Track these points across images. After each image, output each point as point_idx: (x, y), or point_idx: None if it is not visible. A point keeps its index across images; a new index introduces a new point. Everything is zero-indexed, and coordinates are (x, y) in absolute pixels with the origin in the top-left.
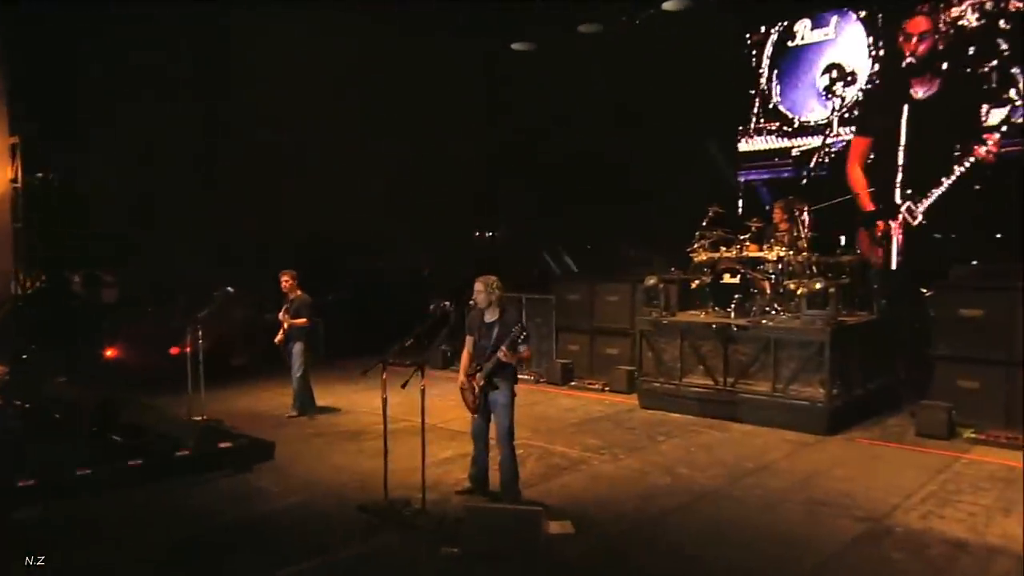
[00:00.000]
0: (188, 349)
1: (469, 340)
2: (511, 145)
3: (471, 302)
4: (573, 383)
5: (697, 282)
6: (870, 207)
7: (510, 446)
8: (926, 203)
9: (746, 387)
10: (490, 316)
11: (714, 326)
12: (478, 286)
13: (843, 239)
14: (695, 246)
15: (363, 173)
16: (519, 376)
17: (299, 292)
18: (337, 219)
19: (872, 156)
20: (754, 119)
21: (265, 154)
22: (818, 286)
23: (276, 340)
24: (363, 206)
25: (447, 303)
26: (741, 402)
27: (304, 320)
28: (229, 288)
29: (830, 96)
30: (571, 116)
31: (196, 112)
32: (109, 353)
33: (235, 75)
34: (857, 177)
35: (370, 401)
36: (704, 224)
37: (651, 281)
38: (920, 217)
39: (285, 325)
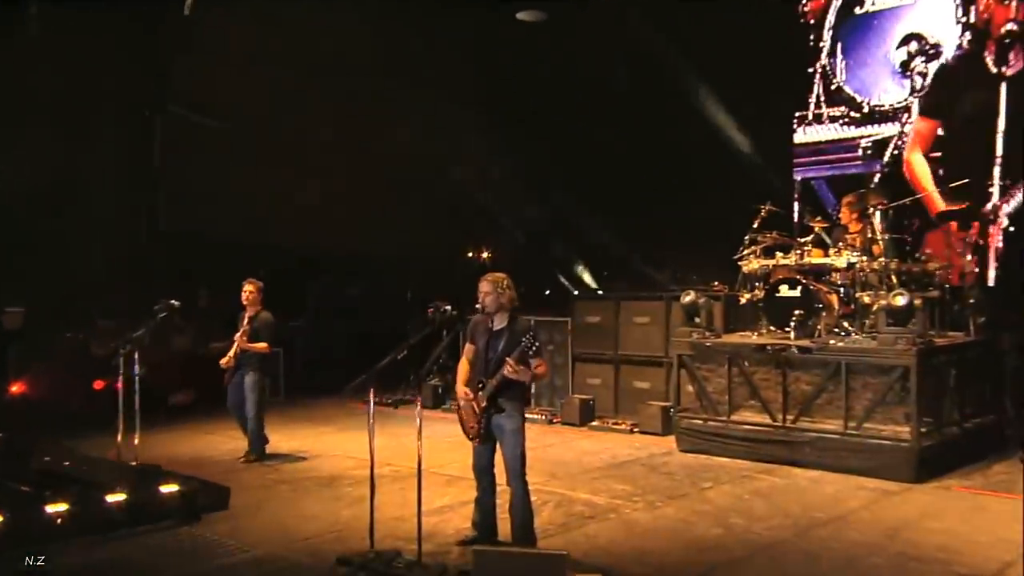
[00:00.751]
0: (119, 384)
1: (470, 349)
2: (516, 144)
3: (477, 305)
4: (594, 423)
5: (747, 296)
6: (941, 206)
7: (522, 482)
8: (1012, 203)
9: (810, 424)
10: (498, 323)
11: (769, 349)
12: (484, 286)
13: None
14: (744, 252)
15: (336, 175)
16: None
17: (261, 309)
18: (299, 229)
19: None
20: (813, 104)
21: (210, 140)
22: (901, 300)
23: (223, 362)
24: (333, 215)
25: (448, 307)
26: (804, 442)
27: (264, 345)
28: (174, 301)
29: (908, 74)
30: (585, 105)
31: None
32: (15, 389)
33: (178, 43)
34: (920, 168)
35: (343, 444)
36: (755, 226)
37: (690, 296)
38: (1005, 219)
39: (236, 348)
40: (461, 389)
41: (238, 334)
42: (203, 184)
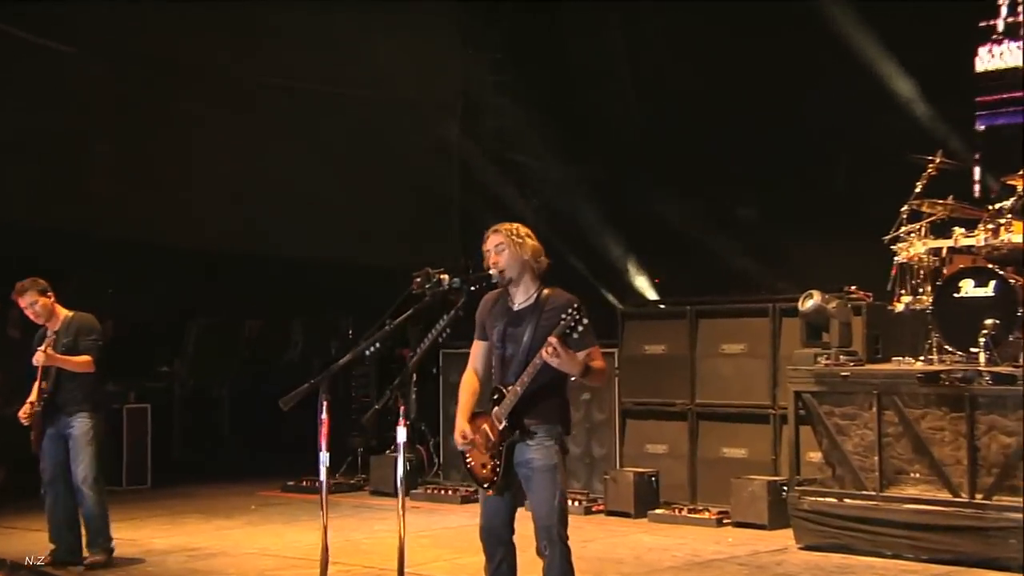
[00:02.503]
0: None
1: (479, 347)
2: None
3: (488, 271)
4: (658, 511)
5: (907, 300)
6: None
7: (560, 541)
8: None
9: (1014, 501)
10: (521, 297)
11: (945, 380)
12: (494, 238)
13: None
14: (900, 231)
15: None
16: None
17: (66, 312)
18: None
19: None
20: (1005, 12)
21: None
22: None
23: (22, 414)
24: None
25: (446, 276)
26: (1005, 530)
27: (86, 359)
28: None
29: None
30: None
31: None
32: None
33: None
34: None
35: (256, 539)
36: (917, 190)
37: (814, 300)
38: None
39: (38, 386)
40: (460, 427)
41: (40, 350)
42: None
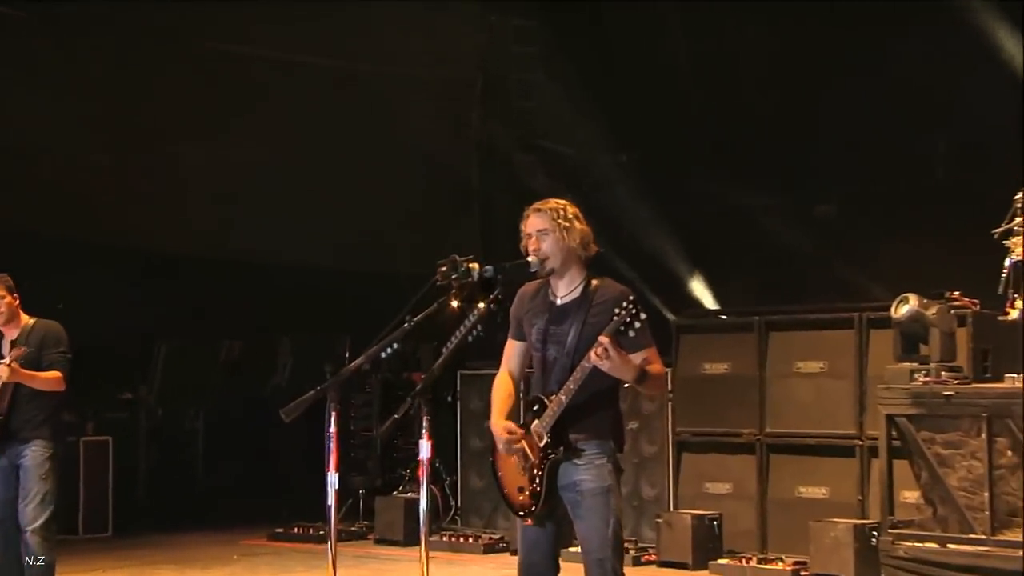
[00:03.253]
0: None
1: (514, 348)
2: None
3: (527, 260)
4: (721, 560)
5: (1021, 305)
6: None
7: None
8: None
9: None
10: (564, 290)
11: None
12: (535, 220)
13: None
14: (1014, 223)
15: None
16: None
17: (27, 317)
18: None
19: None
20: None
21: None
22: None
23: None
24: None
25: (475, 264)
26: None
27: (56, 375)
28: None
29: None
30: None
31: None
32: None
33: None
34: None
35: None
36: None
37: (910, 306)
38: None
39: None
40: (500, 424)
41: (3, 363)
42: None
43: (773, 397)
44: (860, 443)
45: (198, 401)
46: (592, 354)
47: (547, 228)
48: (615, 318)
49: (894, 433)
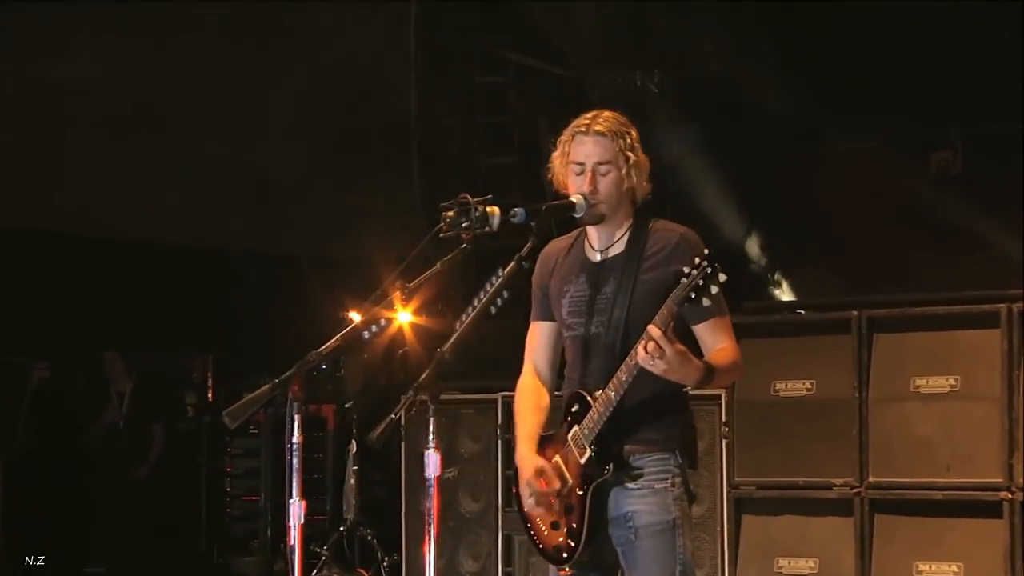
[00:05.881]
0: None
1: (541, 331)
2: None
3: (571, 200)
4: None
5: None
6: None
7: None
8: None
9: None
10: (605, 239)
11: None
12: (595, 147)
13: None
14: None
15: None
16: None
17: None
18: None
19: None
20: None
21: None
22: None
23: None
24: None
25: (497, 208)
26: None
27: None
28: None
29: None
30: None
31: None
32: None
33: None
34: None
35: None
36: None
37: None
38: None
39: None
40: (530, 463)
41: None
42: None
43: (879, 430)
44: (1010, 496)
45: None
46: (639, 350)
47: (611, 161)
48: (684, 279)
49: None
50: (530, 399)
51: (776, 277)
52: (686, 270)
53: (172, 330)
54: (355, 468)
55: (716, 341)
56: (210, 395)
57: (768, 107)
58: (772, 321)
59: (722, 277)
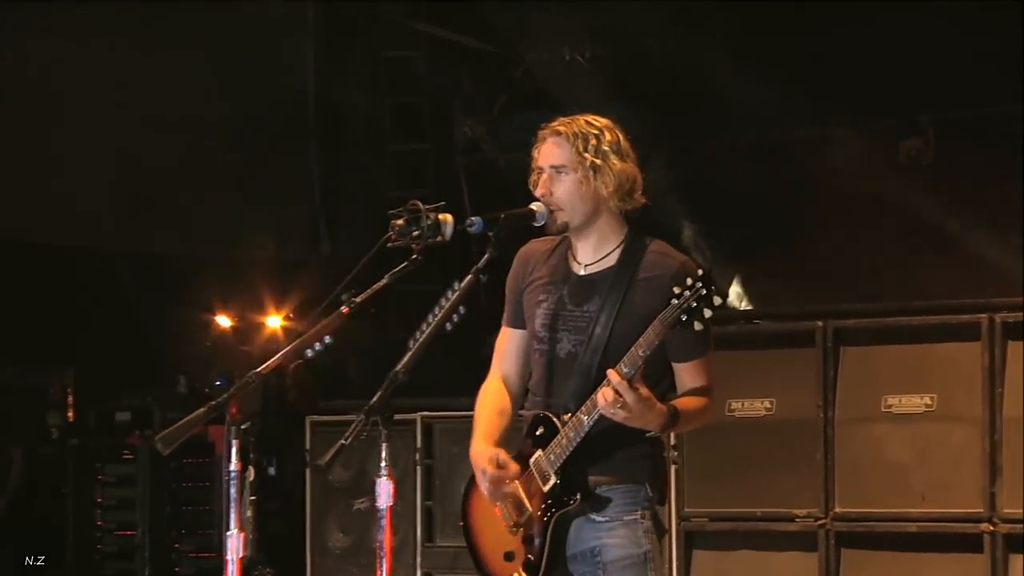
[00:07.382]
0: None
1: (511, 339)
2: None
3: (531, 208)
4: None
5: None
6: None
7: None
8: None
9: None
10: (592, 254)
11: None
12: (552, 148)
13: None
14: None
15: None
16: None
17: None
18: None
19: None
20: None
21: None
22: None
23: None
24: None
25: (449, 216)
26: None
27: None
28: None
29: None
30: None
31: None
32: None
33: None
34: None
35: None
36: None
37: None
38: None
39: None
40: (483, 453)
41: None
42: None
43: (847, 455)
44: (991, 528)
45: None
46: (598, 397)
47: (566, 164)
48: (673, 300)
49: None
50: (492, 404)
51: (724, 279)
52: (677, 290)
53: (28, 341)
54: (252, 498)
55: (694, 381)
56: (70, 414)
57: (719, 90)
58: (726, 332)
59: (717, 300)
